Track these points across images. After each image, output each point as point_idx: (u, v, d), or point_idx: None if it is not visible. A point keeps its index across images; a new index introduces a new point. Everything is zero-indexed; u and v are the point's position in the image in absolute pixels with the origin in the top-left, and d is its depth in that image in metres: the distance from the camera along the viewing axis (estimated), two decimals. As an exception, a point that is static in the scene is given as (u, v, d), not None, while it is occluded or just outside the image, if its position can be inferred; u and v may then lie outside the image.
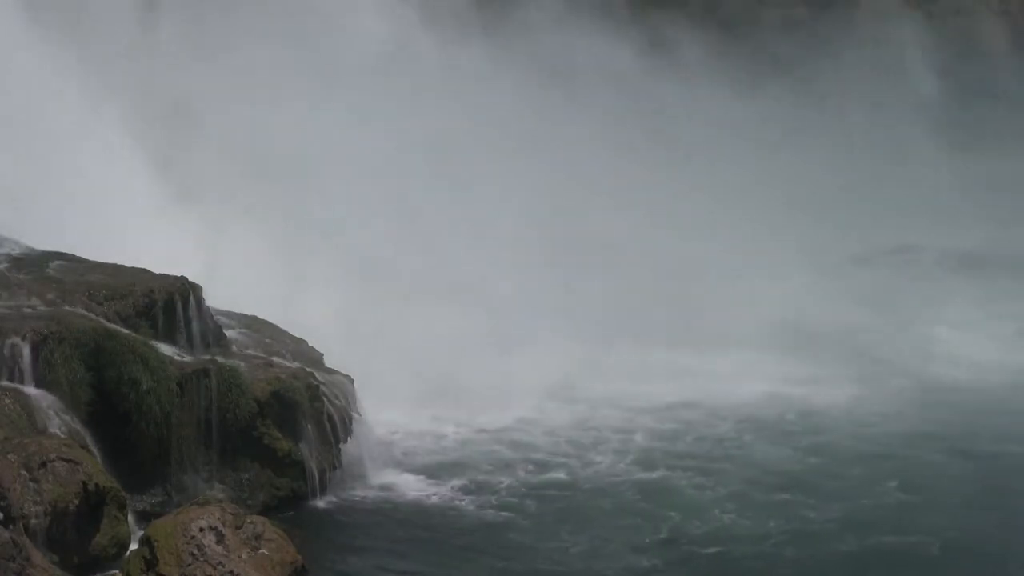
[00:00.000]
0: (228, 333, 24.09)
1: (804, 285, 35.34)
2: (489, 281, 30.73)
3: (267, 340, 24.73)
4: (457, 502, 22.90)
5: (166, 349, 22.20)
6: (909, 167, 47.75)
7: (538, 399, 27.91)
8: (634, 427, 26.87)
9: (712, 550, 21.09)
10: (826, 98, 51.64)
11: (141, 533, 18.39)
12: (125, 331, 21.69)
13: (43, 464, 18.48)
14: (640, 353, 30.03)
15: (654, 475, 24.30)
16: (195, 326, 23.13)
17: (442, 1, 42.84)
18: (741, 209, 39.75)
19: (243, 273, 27.33)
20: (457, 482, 23.69)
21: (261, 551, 17.43)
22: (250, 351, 24.00)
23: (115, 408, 21.02)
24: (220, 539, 17.30)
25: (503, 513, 22.49)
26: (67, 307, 21.83)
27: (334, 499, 22.80)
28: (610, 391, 28.51)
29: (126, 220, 27.76)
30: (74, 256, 24.33)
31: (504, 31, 44.22)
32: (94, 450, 20.05)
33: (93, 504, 18.79)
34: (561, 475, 24.34)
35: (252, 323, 25.23)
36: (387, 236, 31.60)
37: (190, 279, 23.42)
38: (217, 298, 24.18)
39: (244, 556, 17.25)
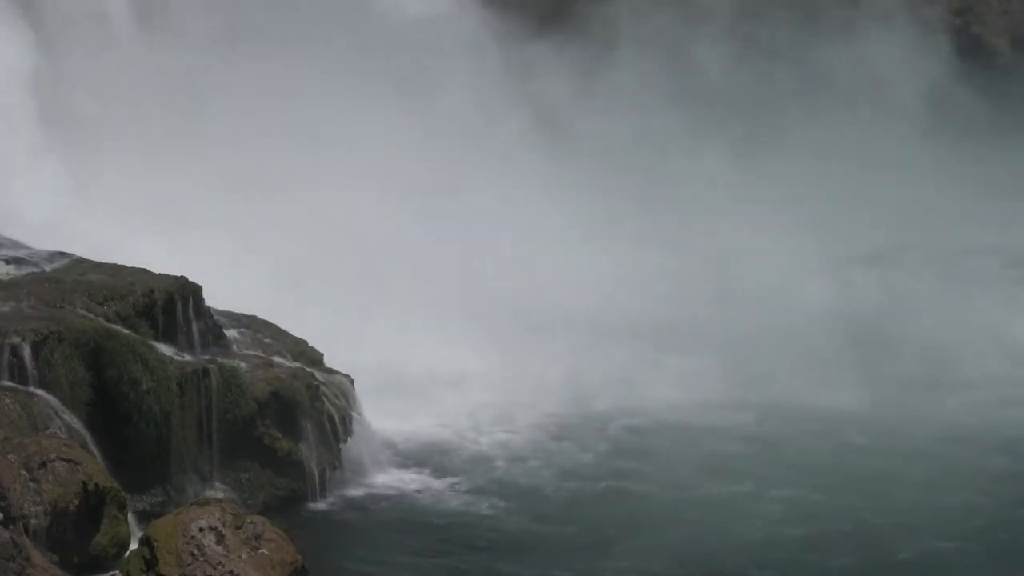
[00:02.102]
0: (228, 333, 24.09)
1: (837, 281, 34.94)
2: (498, 280, 30.63)
3: (267, 340, 24.71)
4: (460, 503, 22.81)
5: (166, 349, 22.20)
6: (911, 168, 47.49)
7: (550, 399, 27.49)
8: (651, 428, 26.47)
9: (758, 560, 20.60)
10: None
11: (141, 533, 18.41)
12: (125, 331, 21.69)
13: (43, 464, 18.49)
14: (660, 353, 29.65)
15: (697, 479, 23.82)
16: (195, 326, 23.13)
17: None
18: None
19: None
20: (460, 483, 23.57)
21: (261, 551, 17.43)
22: (250, 351, 24.01)
23: (115, 408, 21.01)
24: (220, 539, 17.30)
25: (509, 515, 22.32)
26: (67, 307, 21.84)
27: (334, 499, 22.77)
28: (634, 393, 27.91)
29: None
30: (74, 256, 24.33)
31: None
32: (94, 450, 20.05)
33: (93, 504, 18.79)
34: (578, 476, 23.98)
35: (252, 323, 25.22)
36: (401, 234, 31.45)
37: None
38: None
39: (244, 556, 17.25)
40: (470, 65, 38.67)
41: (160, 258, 24.37)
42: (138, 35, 33.73)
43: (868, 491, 23.33)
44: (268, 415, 22.44)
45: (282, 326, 25.10)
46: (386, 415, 24.90)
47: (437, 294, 29.76)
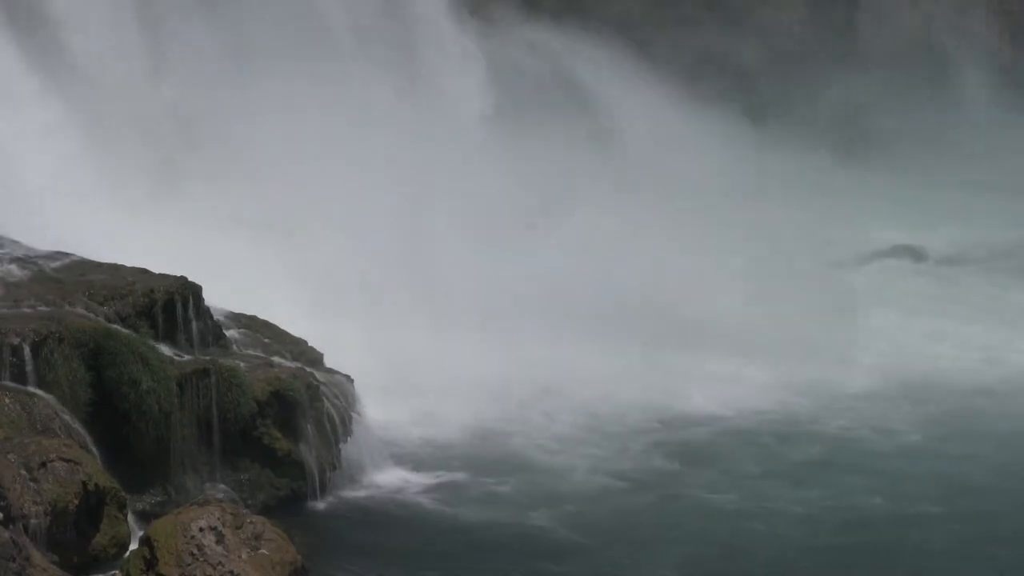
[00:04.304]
0: (228, 333, 24.10)
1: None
2: (492, 281, 30.55)
3: (267, 340, 24.72)
4: (459, 503, 22.75)
5: (166, 349, 22.23)
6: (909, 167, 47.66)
7: (560, 400, 27.26)
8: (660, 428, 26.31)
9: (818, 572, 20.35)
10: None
11: (141, 533, 18.43)
12: (125, 331, 21.71)
13: (43, 464, 18.50)
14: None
15: (709, 482, 23.60)
16: (195, 326, 23.15)
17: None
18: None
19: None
20: (461, 483, 23.51)
21: (261, 551, 17.46)
22: (250, 351, 24.02)
23: (115, 408, 21.04)
24: (220, 539, 17.33)
25: (509, 516, 22.24)
26: (67, 307, 21.84)
27: (334, 499, 22.76)
28: (637, 396, 27.55)
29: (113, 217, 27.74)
30: (74, 256, 24.34)
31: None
32: (94, 450, 20.07)
33: (93, 504, 18.81)
34: (586, 477, 23.82)
35: (252, 323, 25.24)
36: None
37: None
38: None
39: (244, 556, 17.27)
40: None
41: (166, 257, 24.43)
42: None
43: (933, 498, 23.01)
44: (268, 415, 22.44)
45: (287, 325, 25.15)
46: (386, 415, 24.93)
47: (444, 295, 29.74)
